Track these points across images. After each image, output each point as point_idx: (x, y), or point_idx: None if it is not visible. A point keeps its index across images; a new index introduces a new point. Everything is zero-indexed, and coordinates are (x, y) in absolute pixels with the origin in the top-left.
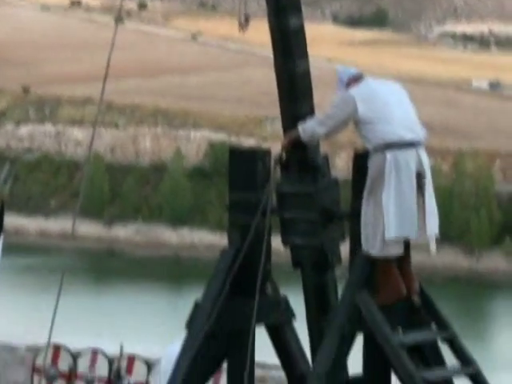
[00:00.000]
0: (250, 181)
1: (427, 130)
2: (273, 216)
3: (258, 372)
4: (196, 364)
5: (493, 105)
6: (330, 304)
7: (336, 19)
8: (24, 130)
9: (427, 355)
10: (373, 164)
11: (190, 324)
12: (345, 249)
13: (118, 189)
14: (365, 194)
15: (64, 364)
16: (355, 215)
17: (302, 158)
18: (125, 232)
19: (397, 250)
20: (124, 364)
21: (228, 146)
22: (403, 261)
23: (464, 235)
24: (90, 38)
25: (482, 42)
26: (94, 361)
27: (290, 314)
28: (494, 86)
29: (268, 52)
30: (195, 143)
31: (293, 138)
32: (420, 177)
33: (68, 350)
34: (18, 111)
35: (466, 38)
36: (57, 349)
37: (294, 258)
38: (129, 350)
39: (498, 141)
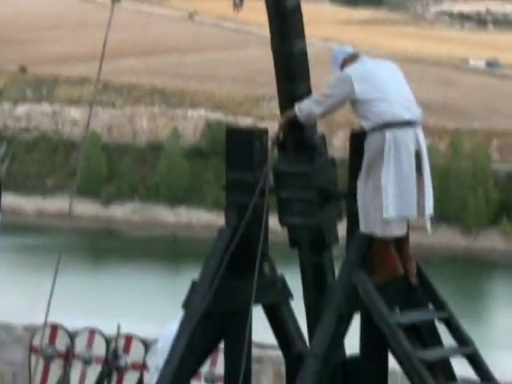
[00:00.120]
0: (247, 160)
1: (424, 109)
2: (270, 196)
3: (255, 352)
4: (193, 344)
5: (490, 84)
6: (328, 284)
7: None
8: (21, 109)
9: (424, 335)
10: (371, 143)
11: (187, 304)
12: (342, 228)
13: (115, 168)
14: (362, 173)
15: (61, 344)
16: (352, 195)
17: (299, 137)
18: (122, 211)
19: (399, 231)
20: (121, 343)
21: (225, 125)
22: (402, 242)
23: (461, 215)
24: (89, 18)
25: (479, 21)
26: (91, 340)
27: (287, 294)
28: (492, 65)
29: (265, 32)
30: (192, 123)
31: (290, 118)
32: (418, 156)
33: (65, 330)
34: (15, 91)
35: (463, 17)
36: (54, 328)
37: (291, 238)
38: (126, 329)
39: (496, 120)
